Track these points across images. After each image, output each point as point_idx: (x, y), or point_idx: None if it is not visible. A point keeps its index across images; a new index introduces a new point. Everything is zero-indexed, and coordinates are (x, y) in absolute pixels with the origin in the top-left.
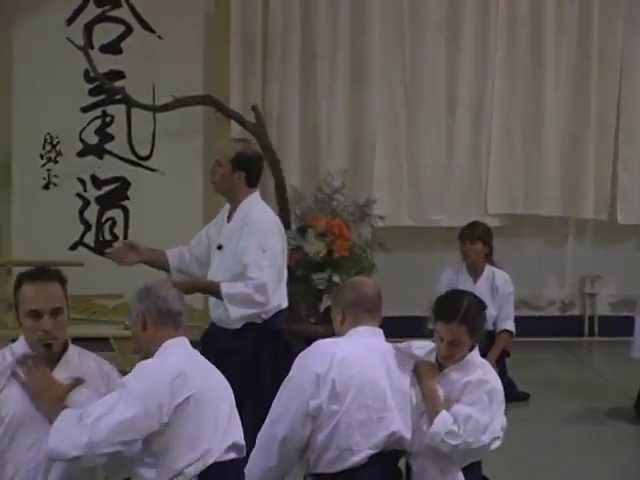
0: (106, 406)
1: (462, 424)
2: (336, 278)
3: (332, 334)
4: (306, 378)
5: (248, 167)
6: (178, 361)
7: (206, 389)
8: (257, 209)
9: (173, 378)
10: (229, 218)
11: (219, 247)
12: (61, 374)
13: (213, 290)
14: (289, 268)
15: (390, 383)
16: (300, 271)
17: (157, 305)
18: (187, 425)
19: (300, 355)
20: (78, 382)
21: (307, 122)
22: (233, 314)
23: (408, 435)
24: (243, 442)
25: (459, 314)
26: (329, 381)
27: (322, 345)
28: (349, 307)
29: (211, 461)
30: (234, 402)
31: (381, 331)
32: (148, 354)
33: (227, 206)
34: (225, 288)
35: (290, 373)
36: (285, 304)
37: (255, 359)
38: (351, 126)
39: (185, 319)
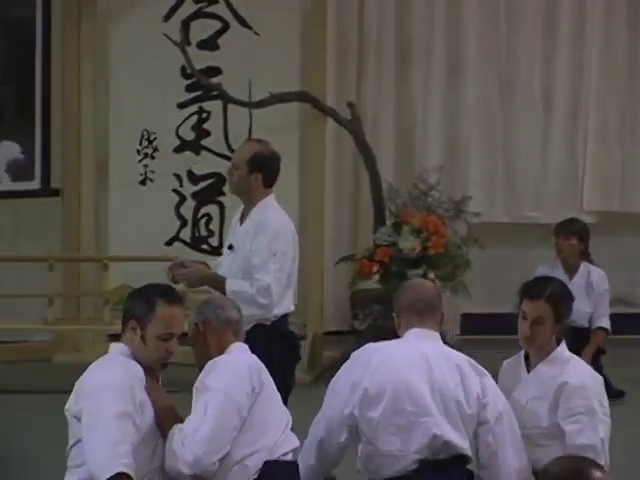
0: (198, 417)
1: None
2: (431, 275)
3: None
4: (343, 383)
5: (265, 168)
6: (248, 357)
7: (272, 388)
8: (271, 212)
9: (249, 368)
10: (242, 220)
11: (230, 247)
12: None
13: (219, 283)
14: (384, 264)
15: (432, 386)
16: (395, 268)
17: (216, 314)
18: (257, 416)
19: (351, 355)
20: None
21: (402, 119)
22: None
23: (459, 440)
24: (298, 444)
25: (546, 292)
26: (361, 389)
27: (365, 349)
28: (402, 310)
29: (273, 457)
30: None
31: (435, 334)
32: (206, 361)
33: (241, 207)
34: (230, 284)
35: (338, 372)
36: (292, 308)
37: (265, 360)
38: (446, 123)
39: (242, 328)
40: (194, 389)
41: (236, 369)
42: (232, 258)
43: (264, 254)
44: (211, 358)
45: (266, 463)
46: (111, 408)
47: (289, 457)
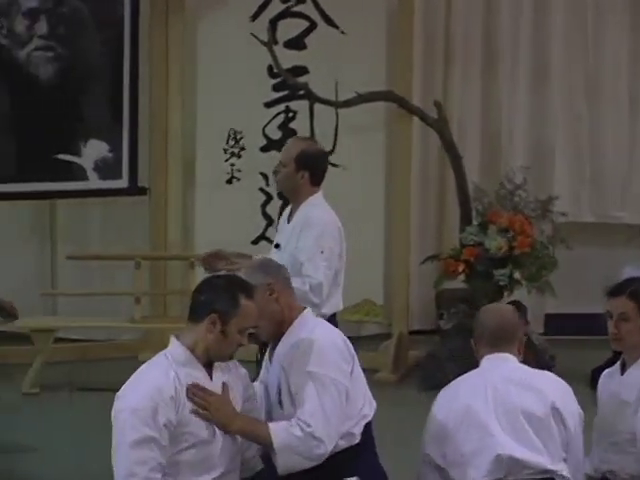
0: (314, 409)
1: None
2: (517, 274)
3: None
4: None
5: (312, 165)
6: (337, 332)
7: (354, 354)
8: (318, 210)
9: (343, 345)
10: (290, 218)
11: (276, 245)
12: (218, 378)
13: None
14: (470, 264)
15: (495, 407)
16: (481, 267)
17: (282, 272)
18: (354, 387)
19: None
20: (227, 387)
21: (488, 118)
22: None
23: (533, 457)
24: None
25: (628, 288)
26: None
27: (442, 391)
28: (475, 339)
29: (367, 419)
30: None
31: (508, 356)
32: (283, 325)
33: (290, 206)
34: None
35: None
36: (341, 307)
37: None
38: (532, 123)
39: None
40: (282, 366)
41: (335, 351)
42: (279, 257)
43: (311, 251)
44: (283, 317)
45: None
46: (127, 436)
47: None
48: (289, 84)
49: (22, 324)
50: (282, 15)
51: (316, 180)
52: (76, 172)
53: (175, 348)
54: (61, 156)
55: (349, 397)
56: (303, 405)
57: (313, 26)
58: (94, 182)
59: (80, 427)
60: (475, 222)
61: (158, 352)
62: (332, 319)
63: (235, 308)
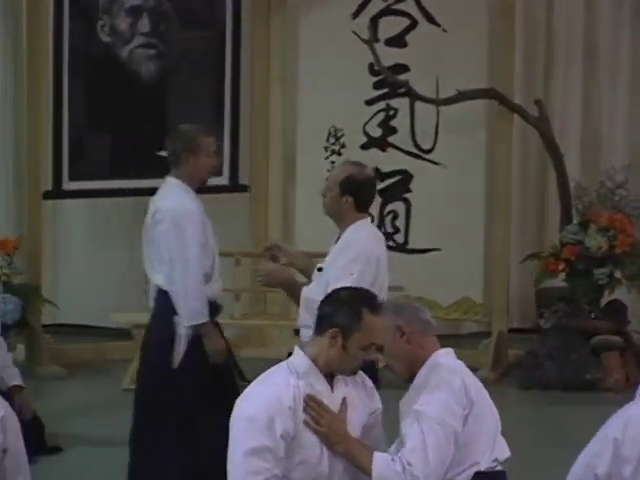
0: (416, 445)
1: None
2: (617, 273)
3: (613, 330)
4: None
5: (357, 191)
6: (455, 370)
7: (483, 402)
8: (358, 235)
9: (461, 385)
10: (335, 242)
11: (319, 269)
12: (340, 391)
13: (296, 290)
14: (570, 262)
15: None
16: (581, 266)
17: (418, 315)
18: (468, 433)
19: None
20: (345, 404)
21: (589, 117)
22: (300, 320)
23: None
24: (508, 455)
25: None
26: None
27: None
28: None
29: (481, 469)
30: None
31: None
32: (415, 365)
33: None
34: (304, 291)
35: None
36: None
37: None
38: (633, 122)
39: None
40: (404, 405)
41: (448, 392)
42: (319, 280)
43: (339, 272)
44: (417, 359)
45: (476, 474)
46: (242, 445)
47: (498, 468)
48: (390, 82)
49: (122, 320)
50: (383, 13)
51: (361, 206)
52: None
53: (298, 358)
54: (163, 153)
55: (459, 442)
56: (407, 442)
57: (414, 24)
58: None
59: None
60: (575, 221)
61: (258, 349)
62: None
63: (357, 323)
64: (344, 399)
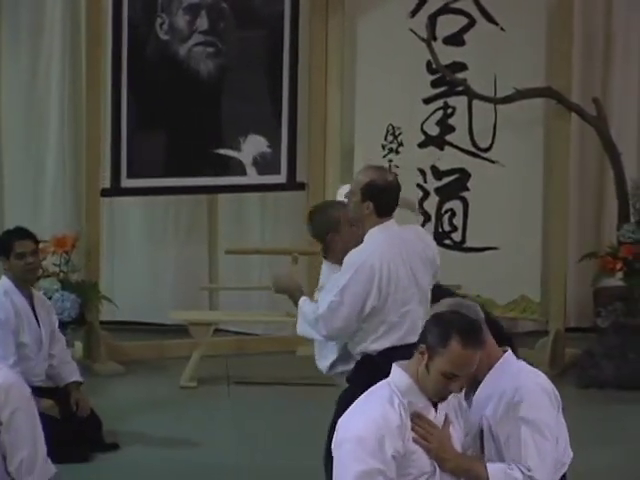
0: (531, 451)
1: None
2: None
3: None
4: None
5: (378, 197)
6: (537, 373)
7: None
8: (363, 249)
9: (550, 386)
10: None
11: None
12: (442, 409)
13: (295, 299)
14: (628, 261)
15: None
16: (639, 265)
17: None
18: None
19: None
20: (448, 421)
21: None
22: (297, 329)
23: None
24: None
25: None
26: None
27: None
28: None
29: None
30: None
31: None
32: (479, 372)
33: None
34: (301, 302)
35: None
36: (386, 345)
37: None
38: None
39: None
40: (483, 415)
41: (545, 395)
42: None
43: (329, 285)
44: (481, 369)
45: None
46: (352, 468)
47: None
48: (448, 80)
49: (180, 317)
50: (441, 11)
51: (382, 211)
52: (235, 167)
53: (398, 376)
54: (221, 151)
55: (558, 443)
56: (519, 451)
57: (472, 22)
58: (253, 177)
59: (239, 421)
60: (633, 220)
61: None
62: (385, 355)
63: (442, 347)
64: (446, 417)
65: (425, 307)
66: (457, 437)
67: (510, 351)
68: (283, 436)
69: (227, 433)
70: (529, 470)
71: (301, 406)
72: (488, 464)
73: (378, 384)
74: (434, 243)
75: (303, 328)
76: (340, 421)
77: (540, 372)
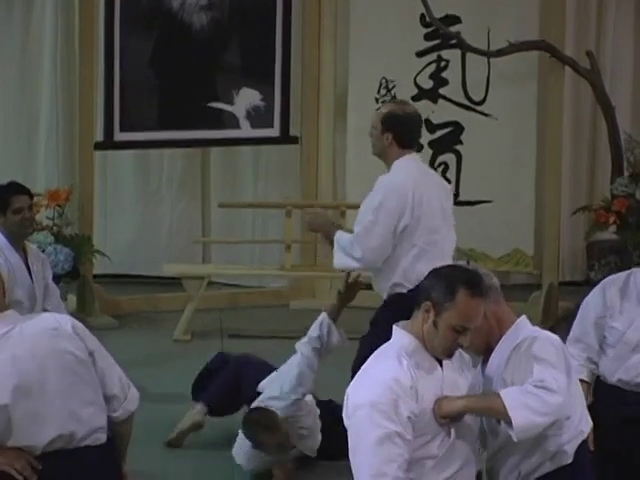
0: (542, 370)
1: None
2: None
3: None
4: None
5: (396, 127)
6: (551, 334)
7: None
8: (392, 174)
9: (562, 347)
10: None
11: None
12: (447, 371)
13: (331, 234)
14: (621, 215)
15: None
16: (632, 218)
17: (491, 285)
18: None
19: None
20: (453, 377)
21: None
22: (335, 262)
23: None
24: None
25: None
26: None
27: None
28: None
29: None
30: None
31: None
32: (492, 339)
33: None
34: (337, 234)
35: None
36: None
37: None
38: None
39: None
40: (502, 378)
41: (557, 346)
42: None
43: (362, 208)
44: (494, 335)
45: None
46: (370, 434)
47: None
48: (441, 33)
49: (174, 270)
50: None
51: (402, 142)
52: (228, 120)
53: (400, 337)
54: (213, 104)
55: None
56: (532, 376)
57: None
58: (246, 130)
59: None
60: (627, 173)
61: (308, 300)
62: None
63: (449, 301)
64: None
65: (453, 235)
66: (465, 386)
67: (524, 317)
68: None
69: None
70: (541, 381)
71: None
72: (501, 391)
73: (382, 347)
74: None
75: (339, 259)
76: (350, 388)
77: (555, 336)
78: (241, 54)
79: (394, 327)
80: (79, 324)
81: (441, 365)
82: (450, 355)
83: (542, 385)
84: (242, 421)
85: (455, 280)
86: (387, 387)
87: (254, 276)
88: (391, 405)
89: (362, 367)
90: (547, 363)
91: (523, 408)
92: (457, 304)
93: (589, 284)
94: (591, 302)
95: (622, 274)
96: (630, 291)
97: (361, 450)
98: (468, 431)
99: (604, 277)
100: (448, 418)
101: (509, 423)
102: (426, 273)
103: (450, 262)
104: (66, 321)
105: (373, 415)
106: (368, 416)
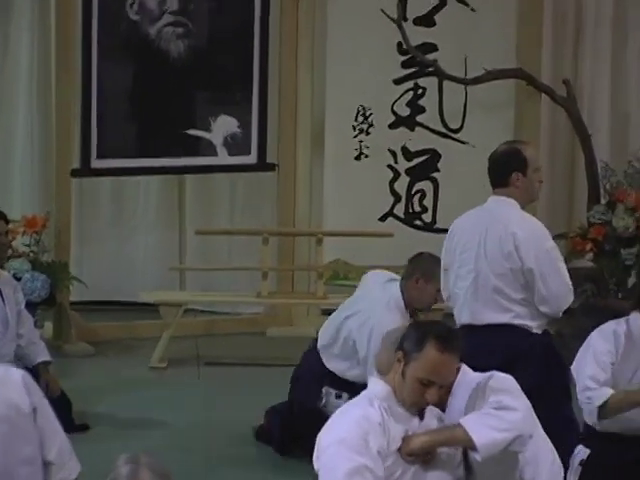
0: (500, 397)
1: None
2: None
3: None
4: None
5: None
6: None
7: None
8: None
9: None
10: None
11: None
12: (429, 420)
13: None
14: (597, 242)
15: None
16: (608, 246)
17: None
18: None
19: None
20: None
21: (618, 98)
22: None
23: None
24: None
25: None
26: None
27: None
28: None
29: None
30: None
31: None
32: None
33: None
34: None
35: None
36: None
37: None
38: None
39: None
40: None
41: (518, 386)
42: None
43: None
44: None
45: None
46: (340, 467)
47: None
48: (418, 61)
49: (151, 298)
50: None
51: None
52: (205, 148)
53: (374, 384)
54: (191, 131)
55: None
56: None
57: (443, 3)
58: (223, 158)
59: (209, 402)
60: (603, 201)
61: (285, 327)
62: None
63: (417, 352)
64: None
65: None
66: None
67: (464, 366)
68: (253, 417)
69: (197, 414)
70: (498, 402)
71: (271, 386)
72: (460, 420)
73: (355, 398)
74: None
75: None
76: (320, 433)
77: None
78: (218, 82)
79: (369, 378)
80: (30, 379)
81: (422, 416)
82: (420, 410)
83: (499, 406)
84: None
85: (427, 332)
86: (356, 423)
87: (231, 303)
88: (360, 439)
89: (336, 412)
90: (505, 392)
91: (483, 427)
92: (424, 355)
93: (565, 312)
94: (602, 346)
95: (621, 320)
96: (635, 338)
97: None
98: (443, 465)
99: (580, 305)
100: (414, 456)
101: (473, 448)
102: None
103: None
104: (17, 372)
105: (342, 450)
106: (337, 452)
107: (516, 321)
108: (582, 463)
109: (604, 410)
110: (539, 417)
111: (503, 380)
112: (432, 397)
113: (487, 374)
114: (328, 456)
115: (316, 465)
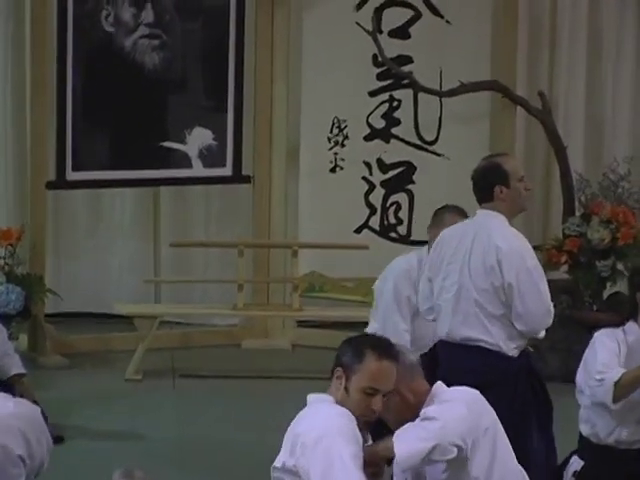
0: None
1: None
2: (620, 266)
3: (615, 322)
4: None
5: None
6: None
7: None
8: None
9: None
10: None
11: None
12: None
13: None
14: (573, 254)
15: None
16: (583, 258)
17: (402, 361)
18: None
19: None
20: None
21: (593, 110)
22: None
23: None
24: None
25: None
26: None
27: None
28: None
29: None
30: None
31: None
32: (409, 412)
33: None
34: None
35: None
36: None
37: None
38: (637, 115)
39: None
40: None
41: (473, 397)
42: None
43: None
44: (410, 408)
45: None
46: (344, 450)
47: None
48: (393, 73)
49: (126, 310)
50: (387, 4)
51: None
52: (180, 160)
53: (320, 399)
54: (166, 144)
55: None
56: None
57: (418, 15)
58: (198, 170)
59: (184, 414)
60: (578, 213)
61: (260, 339)
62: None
63: (357, 364)
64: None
65: None
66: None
67: (440, 383)
68: (229, 429)
69: (172, 426)
70: (423, 414)
71: (246, 399)
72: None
73: (312, 403)
74: None
75: None
76: (296, 432)
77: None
78: (193, 94)
79: (307, 397)
80: None
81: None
82: (368, 422)
83: (424, 417)
84: None
85: (363, 343)
86: (346, 415)
87: (206, 315)
88: (354, 431)
89: (301, 413)
90: (443, 402)
91: (406, 439)
92: (365, 366)
93: None
94: (609, 343)
95: (617, 329)
96: (632, 346)
97: (337, 467)
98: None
99: (556, 317)
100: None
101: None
102: None
103: None
104: None
105: (340, 439)
106: (337, 440)
107: (490, 344)
108: (575, 475)
109: (619, 387)
110: (513, 443)
111: (452, 392)
112: (377, 405)
113: (455, 389)
114: (326, 445)
115: (303, 459)
